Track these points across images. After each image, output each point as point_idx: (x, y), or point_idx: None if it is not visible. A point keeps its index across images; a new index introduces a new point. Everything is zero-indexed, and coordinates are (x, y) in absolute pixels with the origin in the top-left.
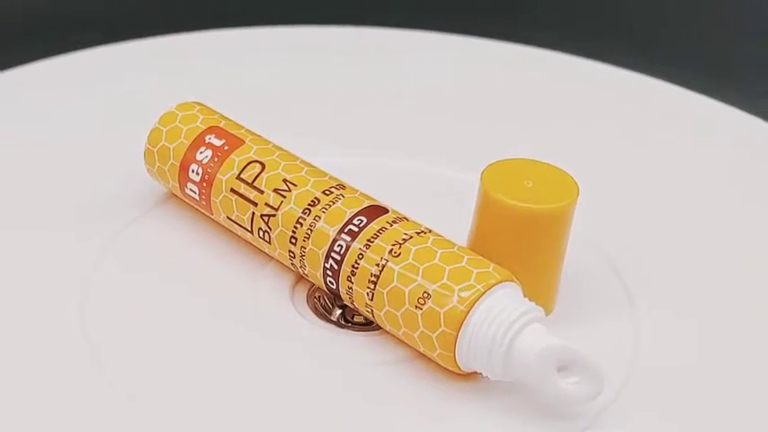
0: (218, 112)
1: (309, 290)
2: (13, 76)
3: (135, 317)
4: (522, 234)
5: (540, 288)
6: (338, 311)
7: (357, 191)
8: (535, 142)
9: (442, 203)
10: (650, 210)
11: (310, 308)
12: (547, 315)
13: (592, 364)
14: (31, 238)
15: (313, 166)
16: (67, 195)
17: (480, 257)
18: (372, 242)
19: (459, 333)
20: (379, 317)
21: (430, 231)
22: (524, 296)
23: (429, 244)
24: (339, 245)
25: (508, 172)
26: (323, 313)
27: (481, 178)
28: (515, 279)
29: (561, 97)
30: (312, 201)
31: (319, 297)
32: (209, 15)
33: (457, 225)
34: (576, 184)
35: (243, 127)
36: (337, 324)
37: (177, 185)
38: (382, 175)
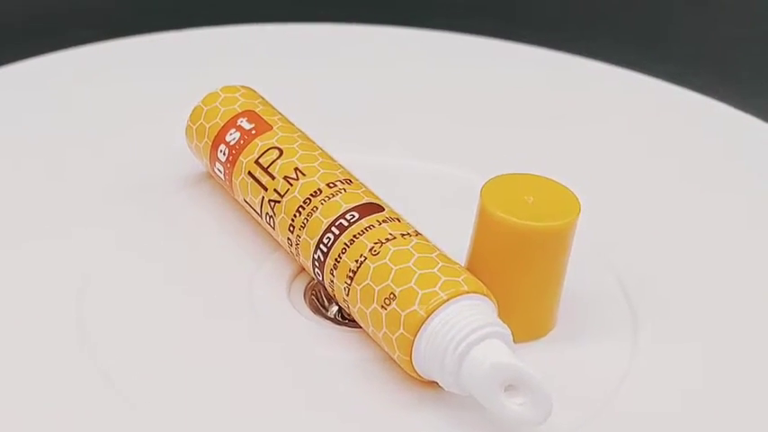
0: (261, 98)
1: (306, 286)
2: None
3: (131, 313)
4: (521, 252)
5: (540, 306)
6: (335, 308)
7: (363, 187)
8: (557, 148)
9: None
10: (660, 217)
11: (307, 304)
12: (546, 334)
13: (541, 387)
14: (34, 234)
15: (329, 159)
16: (71, 190)
17: (455, 266)
18: (357, 238)
19: (416, 337)
20: (354, 312)
21: (417, 235)
22: (496, 312)
23: (409, 246)
24: (328, 237)
25: (509, 187)
26: (319, 310)
27: (481, 193)
28: (487, 292)
29: (578, 100)
30: (315, 191)
31: (316, 294)
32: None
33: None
34: (577, 200)
35: (279, 114)
36: (334, 321)
37: (209, 164)
38: (410, 177)
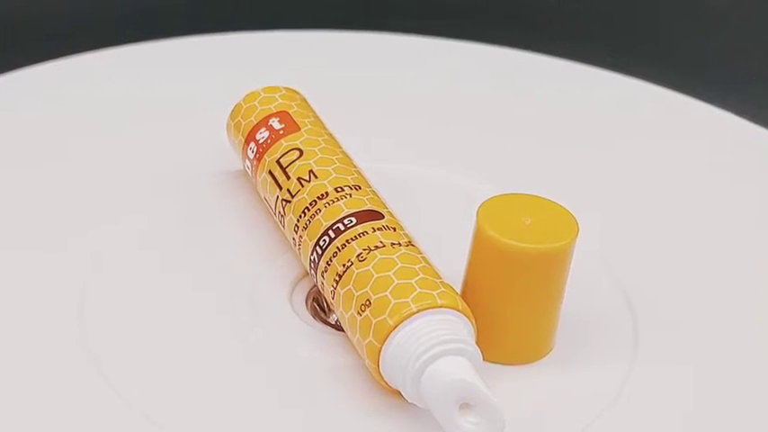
0: (301, 100)
1: (308, 292)
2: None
3: (132, 316)
4: (517, 274)
5: (536, 329)
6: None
7: (370, 194)
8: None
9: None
10: (672, 236)
11: (308, 310)
12: (543, 357)
13: (495, 408)
14: (40, 228)
15: (347, 164)
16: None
17: (437, 280)
18: (349, 243)
19: (384, 346)
20: (338, 316)
21: (408, 245)
22: (471, 329)
23: (395, 256)
24: (324, 240)
25: (506, 208)
26: (321, 316)
27: (477, 214)
28: (463, 309)
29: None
30: (322, 194)
31: (317, 300)
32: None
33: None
34: (576, 222)
35: (312, 117)
36: (335, 327)
37: (242, 160)
38: (436, 188)
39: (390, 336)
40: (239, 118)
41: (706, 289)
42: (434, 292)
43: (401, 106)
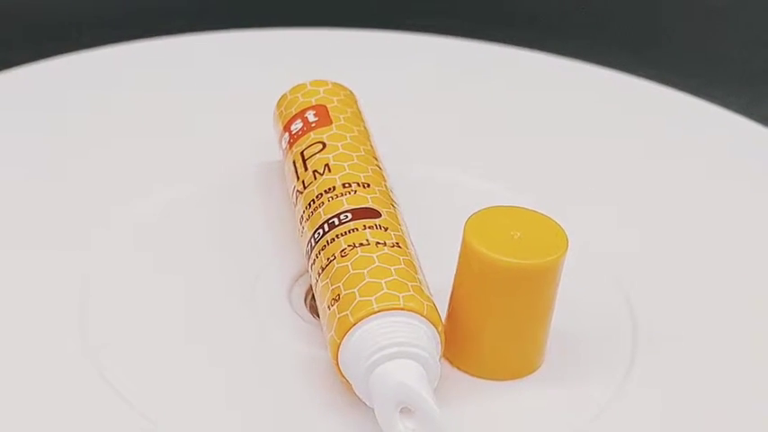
0: (346, 96)
1: (308, 288)
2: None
3: (131, 314)
4: (505, 289)
5: (525, 344)
6: None
7: (377, 193)
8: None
9: None
10: (680, 249)
11: (307, 307)
12: (532, 372)
13: (434, 417)
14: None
15: (366, 162)
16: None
17: (411, 283)
18: (338, 238)
19: (342, 342)
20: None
21: (394, 246)
22: (434, 335)
23: (375, 254)
24: (318, 233)
25: (495, 221)
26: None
27: (464, 227)
28: (429, 315)
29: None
30: (329, 188)
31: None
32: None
33: None
34: (566, 236)
35: (351, 112)
36: None
37: (279, 150)
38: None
39: (350, 332)
40: (282, 108)
41: (712, 304)
42: (401, 294)
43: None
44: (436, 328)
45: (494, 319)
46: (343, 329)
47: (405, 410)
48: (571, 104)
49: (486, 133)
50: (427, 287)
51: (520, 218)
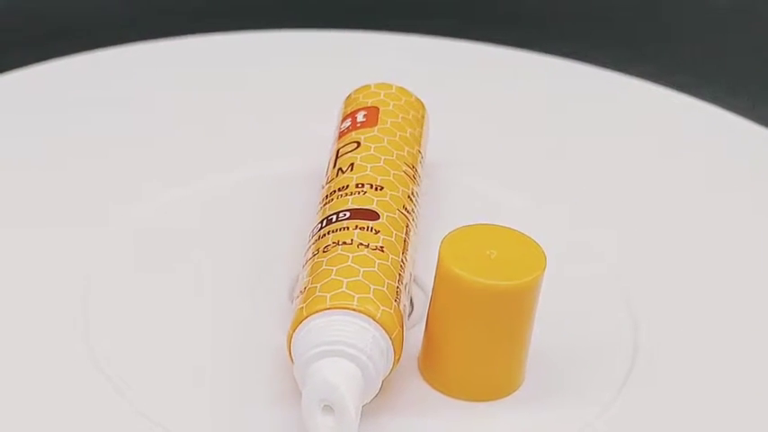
0: (406, 100)
1: None
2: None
3: (133, 318)
4: (480, 310)
5: (503, 365)
6: None
7: (387, 196)
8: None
9: None
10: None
11: None
12: (510, 393)
13: (350, 418)
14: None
15: (394, 166)
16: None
17: (374, 286)
18: (328, 235)
19: (294, 334)
20: None
21: (378, 249)
22: (383, 339)
23: (352, 254)
24: (317, 227)
25: (471, 240)
26: None
27: (440, 246)
28: (381, 320)
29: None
30: (343, 187)
31: None
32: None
33: None
34: (543, 254)
35: (403, 117)
36: None
37: None
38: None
39: (301, 325)
40: (343, 107)
41: (715, 318)
42: (357, 295)
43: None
44: (389, 334)
45: (470, 339)
46: (297, 321)
47: (327, 408)
48: (572, 104)
49: (486, 133)
50: (402, 294)
51: (496, 236)
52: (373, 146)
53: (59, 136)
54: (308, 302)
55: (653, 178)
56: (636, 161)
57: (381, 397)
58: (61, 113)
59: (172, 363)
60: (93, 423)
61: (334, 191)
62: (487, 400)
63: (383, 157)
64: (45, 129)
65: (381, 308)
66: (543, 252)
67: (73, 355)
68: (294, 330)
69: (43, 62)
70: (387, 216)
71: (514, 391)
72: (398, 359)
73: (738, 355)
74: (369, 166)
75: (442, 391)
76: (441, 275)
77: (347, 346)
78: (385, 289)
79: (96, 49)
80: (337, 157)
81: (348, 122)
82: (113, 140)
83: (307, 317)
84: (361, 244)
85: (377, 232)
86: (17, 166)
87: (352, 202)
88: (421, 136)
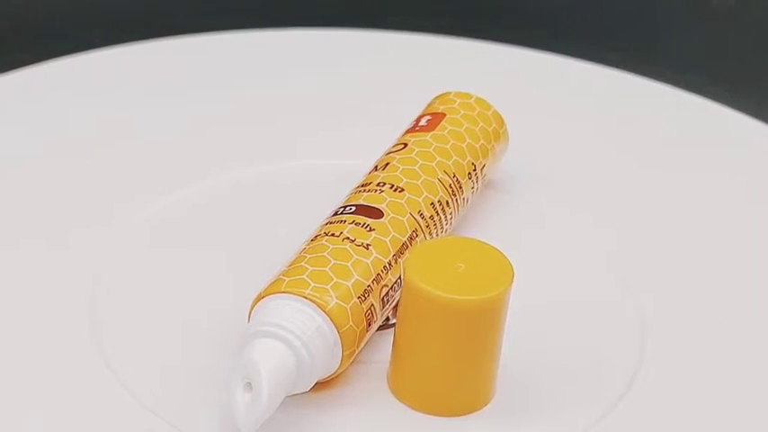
0: (481, 111)
1: None
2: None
3: (140, 316)
4: (447, 324)
5: (471, 379)
6: None
7: (402, 198)
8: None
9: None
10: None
11: None
12: (479, 408)
13: (263, 399)
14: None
15: (429, 172)
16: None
17: (336, 281)
18: (327, 224)
19: (251, 312)
20: None
21: (363, 246)
22: (327, 331)
23: (332, 246)
24: (330, 216)
25: (439, 253)
26: None
27: (406, 260)
28: (330, 312)
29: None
30: (367, 183)
31: None
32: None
33: None
34: (511, 267)
35: (466, 127)
36: None
37: None
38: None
39: (259, 303)
40: (423, 110)
41: (720, 335)
42: (313, 284)
43: None
44: (338, 328)
45: (434, 354)
46: (256, 300)
47: (248, 386)
48: (573, 105)
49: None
50: (374, 294)
51: (467, 249)
52: (417, 149)
53: (60, 136)
54: (272, 283)
55: (658, 177)
56: (638, 160)
57: (349, 409)
58: (61, 113)
59: (179, 360)
60: (102, 420)
61: (360, 186)
62: (454, 416)
63: (421, 161)
64: (45, 129)
65: (335, 300)
66: (511, 266)
67: (81, 352)
68: (252, 309)
69: (43, 62)
70: (392, 217)
71: (483, 406)
72: (350, 356)
73: (735, 366)
74: (401, 167)
75: (409, 405)
76: (405, 288)
77: (284, 330)
78: (350, 284)
79: (96, 50)
80: (386, 155)
81: (412, 125)
82: (113, 140)
83: (264, 297)
84: (348, 238)
85: (371, 230)
86: (17, 167)
87: (364, 199)
88: (488, 150)
